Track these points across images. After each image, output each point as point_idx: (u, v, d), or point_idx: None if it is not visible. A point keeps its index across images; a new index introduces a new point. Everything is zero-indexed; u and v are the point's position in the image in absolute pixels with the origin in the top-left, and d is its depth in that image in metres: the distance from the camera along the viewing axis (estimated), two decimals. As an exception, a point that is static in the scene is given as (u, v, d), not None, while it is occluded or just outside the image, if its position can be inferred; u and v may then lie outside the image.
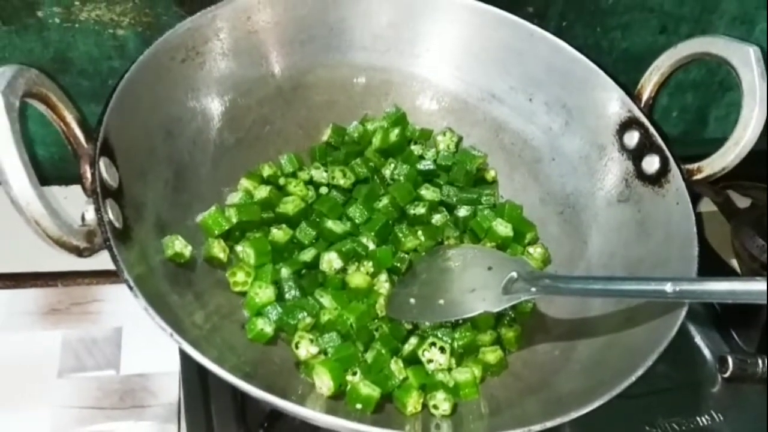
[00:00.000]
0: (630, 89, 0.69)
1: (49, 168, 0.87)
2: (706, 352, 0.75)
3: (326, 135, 0.76)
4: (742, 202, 0.91)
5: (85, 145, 0.53)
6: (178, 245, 0.60)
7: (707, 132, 1.06)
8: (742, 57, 0.60)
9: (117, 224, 0.52)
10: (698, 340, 0.75)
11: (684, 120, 1.04)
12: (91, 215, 0.50)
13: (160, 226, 0.60)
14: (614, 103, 0.69)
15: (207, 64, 0.67)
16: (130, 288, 0.47)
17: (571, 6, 0.87)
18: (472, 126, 0.77)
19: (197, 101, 0.67)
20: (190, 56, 0.65)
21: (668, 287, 0.51)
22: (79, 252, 0.48)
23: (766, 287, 0.48)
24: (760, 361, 0.71)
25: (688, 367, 0.73)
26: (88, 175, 0.51)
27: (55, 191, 0.85)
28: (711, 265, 0.73)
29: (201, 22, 0.65)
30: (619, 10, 0.89)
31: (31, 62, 0.78)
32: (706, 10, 0.91)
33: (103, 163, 0.53)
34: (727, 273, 0.80)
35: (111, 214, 0.51)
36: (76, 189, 0.80)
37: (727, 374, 0.71)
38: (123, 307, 0.78)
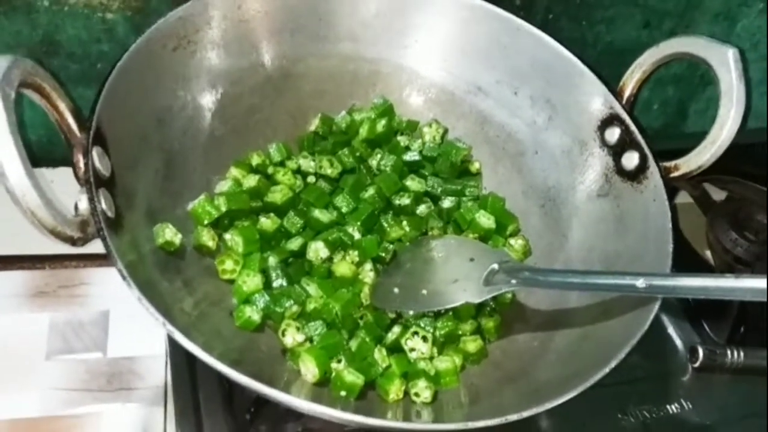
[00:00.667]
0: (612, 85, 0.70)
1: (37, 150, 0.88)
2: (678, 343, 0.77)
3: (314, 124, 0.76)
4: (719, 194, 0.93)
5: (78, 134, 0.54)
6: (169, 233, 0.61)
7: (687, 125, 1.09)
8: (721, 58, 0.62)
9: (109, 213, 0.53)
10: (671, 330, 0.78)
11: (665, 113, 1.06)
12: (84, 205, 0.51)
13: (150, 214, 0.61)
14: (597, 100, 0.70)
15: (198, 52, 0.67)
16: (123, 278, 0.48)
17: (557, -1, 0.88)
18: (458, 118, 0.78)
19: (188, 90, 0.67)
20: (181, 45, 0.65)
21: (640, 282, 0.53)
22: (73, 242, 0.49)
23: (734, 283, 0.50)
24: (729, 352, 0.73)
25: (660, 356, 0.75)
26: (81, 164, 0.52)
27: (43, 173, 0.86)
28: (685, 257, 0.75)
29: (193, 11, 0.66)
30: (605, 4, 0.90)
31: (19, 44, 0.79)
32: (689, 6, 0.93)
33: (95, 153, 0.53)
34: (701, 265, 0.82)
35: (104, 203, 0.52)
36: (64, 171, 0.81)
37: (698, 364, 0.74)
38: (110, 290, 0.78)
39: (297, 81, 0.75)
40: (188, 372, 0.66)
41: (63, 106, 0.52)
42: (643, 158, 0.66)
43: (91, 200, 0.50)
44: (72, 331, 0.75)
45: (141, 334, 0.74)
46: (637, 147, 0.67)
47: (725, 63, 0.61)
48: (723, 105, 0.62)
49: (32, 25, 0.78)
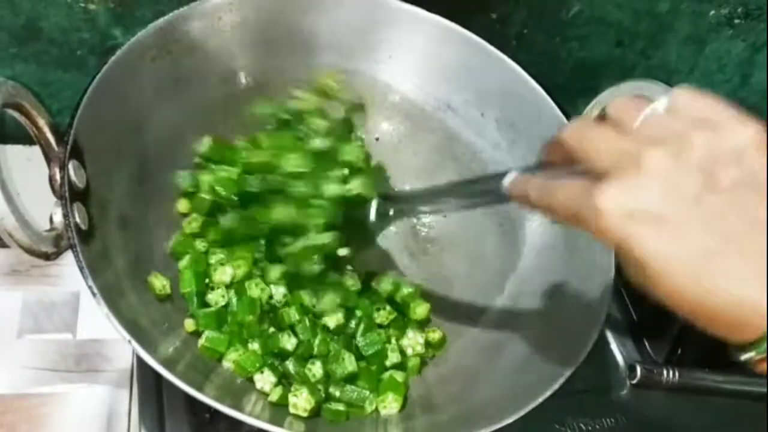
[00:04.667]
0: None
1: (14, 128, 0.89)
2: (619, 358, 0.81)
3: None
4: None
5: (56, 148, 0.56)
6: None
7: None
8: (675, 106, 0.65)
9: (83, 226, 0.55)
10: (613, 346, 0.82)
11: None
12: (58, 218, 0.54)
13: (122, 219, 0.63)
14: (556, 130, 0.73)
15: (176, 61, 0.69)
16: (94, 294, 0.51)
17: (532, 15, 0.90)
18: (428, 133, 0.81)
19: (164, 97, 0.69)
20: (160, 54, 0.67)
21: None
22: (47, 257, 0.51)
23: None
24: (665, 371, 0.78)
25: (601, 370, 0.80)
26: (58, 178, 0.55)
27: (19, 151, 0.87)
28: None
29: (174, 22, 0.67)
30: (579, 23, 0.92)
31: (1, 28, 0.80)
32: (661, 28, 0.95)
33: (72, 166, 0.56)
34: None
35: (77, 216, 0.55)
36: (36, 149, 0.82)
37: (635, 381, 0.78)
38: None
39: (272, 90, 0.76)
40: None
41: (42, 122, 0.55)
42: (596, 192, 0.69)
43: (65, 216, 0.53)
44: (43, 311, 0.77)
45: (110, 317, 0.77)
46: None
47: (678, 112, 0.64)
48: (673, 152, 0.65)
49: (15, 11, 0.79)
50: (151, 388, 0.70)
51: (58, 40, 0.83)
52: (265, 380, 0.62)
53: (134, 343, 0.50)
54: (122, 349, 0.76)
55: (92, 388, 0.73)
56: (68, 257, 0.81)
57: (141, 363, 0.70)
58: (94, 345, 0.76)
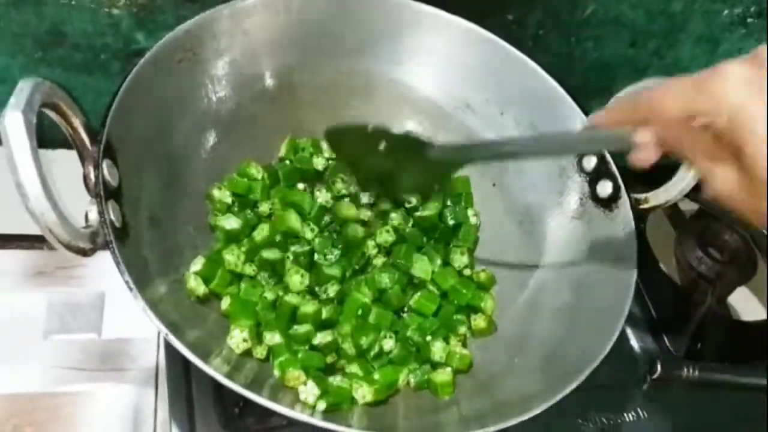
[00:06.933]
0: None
1: (38, 132, 0.90)
2: (639, 354, 0.82)
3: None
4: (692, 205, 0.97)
5: (90, 147, 0.57)
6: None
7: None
8: (693, 103, 0.66)
9: (117, 223, 0.56)
10: (633, 342, 0.83)
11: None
12: (94, 216, 0.55)
13: (153, 219, 0.64)
14: (576, 128, 0.74)
15: (202, 63, 0.70)
16: (130, 289, 0.52)
17: (548, 16, 0.91)
18: (447, 132, 0.81)
19: (192, 98, 0.70)
20: (187, 57, 0.68)
21: None
22: (85, 253, 0.53)
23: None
24: (685, 366, 0.79)
25: (622, 366, 0.81)
26: (92, 176, 0.56)
27: (41, 155, 0.88)
28: (651, 274, 0.80)
29: (200, 25, 0.69)
30: (593, 23, 0.93)
31: (26, 33, 0.81)
32: (674, 28, 0.96)
33: (105, 165, 0.57)
34: (665, 282, 0.87)
35: (112, 214, 0.56)
36: (62, 153, 0.83)
37: (656, 376, 0.79)
38: (106, 272, 0.80)
39: (295, 91, 0.78)
40: (182, 361, 0.70)
41: (77, 122, 0.56)
42: (616, 188, 0.71)
43: (101, 213, 0.54)
44: (69, 312, 0.78)
45: (134, 317, 0.75)
46: (611, 177, 0.71)
47: (696, 108, 0.65)
48: (692, 146, 0.66)
49: (39, 16, 0.80)
50: (179, 383, 0.71)
51: (82, 45, 0.84)
52: (308, 392, 0.62)
53: (170, 336, 0.51)
54: (147, 348, 0.77)
55: (118, 387, 0.74)
56: (92, 258, 0.82)
57: (170, 358, 0.72)
58: (119, 344, 0.77)
